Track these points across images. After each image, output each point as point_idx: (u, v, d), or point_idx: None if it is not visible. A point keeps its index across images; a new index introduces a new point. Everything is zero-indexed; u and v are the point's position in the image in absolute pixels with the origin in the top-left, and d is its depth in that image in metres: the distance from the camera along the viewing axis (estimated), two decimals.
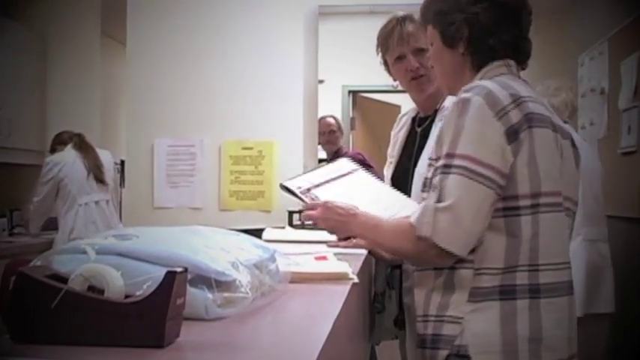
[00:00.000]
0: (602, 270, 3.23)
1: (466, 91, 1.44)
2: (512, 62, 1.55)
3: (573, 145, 1.57)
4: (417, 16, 2.11)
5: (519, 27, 1.55)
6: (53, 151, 4.45)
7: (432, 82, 2.07)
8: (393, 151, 2.20)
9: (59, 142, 4.44)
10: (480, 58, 1.55)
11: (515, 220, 1.41)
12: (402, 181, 2.08)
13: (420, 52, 2.07)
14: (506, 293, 1.41)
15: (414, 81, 2.09)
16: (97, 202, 4.33)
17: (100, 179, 4.34)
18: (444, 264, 1.47)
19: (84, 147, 4.37)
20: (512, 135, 1.39)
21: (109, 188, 4.44)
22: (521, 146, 1.40)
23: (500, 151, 1.39)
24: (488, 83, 1.44)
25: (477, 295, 1.42)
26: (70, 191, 4.25)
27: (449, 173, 1.39)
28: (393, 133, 2.25)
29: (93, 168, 4.32)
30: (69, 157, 4.31)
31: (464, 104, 1.41)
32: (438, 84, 2.08)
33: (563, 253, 1.48)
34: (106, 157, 4.50)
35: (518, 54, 1.56)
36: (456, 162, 1.39)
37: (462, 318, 1.42)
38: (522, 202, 1.41)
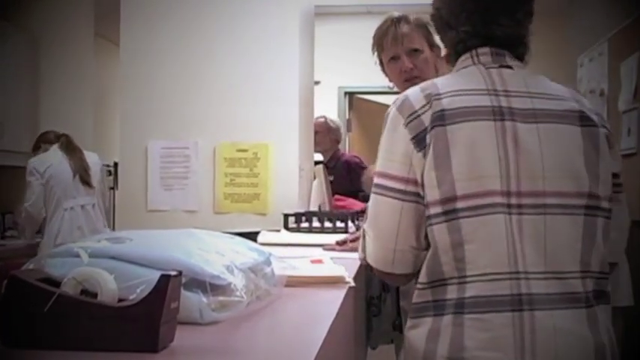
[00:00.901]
0: (621, 264, 3.27)
1: (392, 103, 1.41)
2: (484, 50, 1.40)
3: (586, 124, 1.34)
4: (412, 17, 2.11)
5: (485, 13, 1.40)
6: (37, 148, 4.34)
7: None
8: None
9: (44, 140, 4.33)
10: (450, 53, 1.46)
11: (430, 230, 1.29)
12: None
13: (414, 53, 2.07)
14: (439, 308, 1.27)
15: (408, 82, 2.08)
16: (82, 207, 4.21)
17: (85, 181, 4.21)
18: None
19: (70, 148, 4.24)
20: (422, 141, 1.30)
21: (96, 192, 4.32)
22: (428, 150, 1.29)
23: (407, 160, 1.31)
24: (411, 89, 1.39)
25: (413, 312, 1.33)
26: (55, 193, 4.14)
27: (371, 193, 1.38)
28: None
29: (79, 169, 4.20)
30: (55, 158, 4.19)
31: (385, 119, 1.38)
32: None
33: (504, 261, 1.24)
34: (93, 160, 4.38)
35: (492, 41, 1.40)
36: (375, 180, 1.37)
37: (405, 336, 1.36)
38: (433, 210, 1.28)
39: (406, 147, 1.31)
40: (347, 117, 7.06)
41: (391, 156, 1.34)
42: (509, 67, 1.39)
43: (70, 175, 4.18)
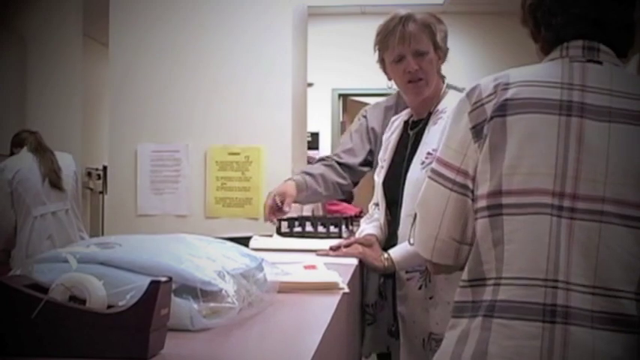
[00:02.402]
0: None
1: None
2: (576, 43, 1.29)
3: None
4: (418, 16, 2.08)
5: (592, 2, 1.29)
6: (12, 154, 4.13)
7: (429, 86, 2.05)
8: (384, 155, 2.18)
9: (17, 143, 4.11)
10: (546, 44, 1.35)
11: (475, 225, 1.25)
12: (393, 185, 2.06)
13: (420, 54, 2.03)
14: (476, 309, 1.21)
15: (411, 84, 2.05)
16: (54, 213, 4.01)
17: (56, 185, 4.00)
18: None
19: (40, 149, 4.04)
20: (480, 132, 1.24)
21: (68, 195, 4.11)
22: (484, 141, 1.23)
23: (463, 149, 1.27)
24: (485, 78, 1.31)
25: (453, 310, 1.27)
26: (24, 201, 3.93)
27: (427, 177, 1.37)
28: (385, 136, 2.23)
29: (49, 172, 3.98)
30: (24, 162, 3.99)
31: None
32: (433, 88, 2.07)
33: (541, 266, 1.16)
34: (66, 162, 4.17)
35: (601, 28, 1.28)
36: (432, 164, 1.35)
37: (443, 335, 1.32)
38: (479, 204, 1.23)
39: (464, 136, 1.27)
40: (341, 119, 7.04)
41: (449, 142, 1.30)
42: (599, 62, 1.27)
43: (39, 179, 3.97)
